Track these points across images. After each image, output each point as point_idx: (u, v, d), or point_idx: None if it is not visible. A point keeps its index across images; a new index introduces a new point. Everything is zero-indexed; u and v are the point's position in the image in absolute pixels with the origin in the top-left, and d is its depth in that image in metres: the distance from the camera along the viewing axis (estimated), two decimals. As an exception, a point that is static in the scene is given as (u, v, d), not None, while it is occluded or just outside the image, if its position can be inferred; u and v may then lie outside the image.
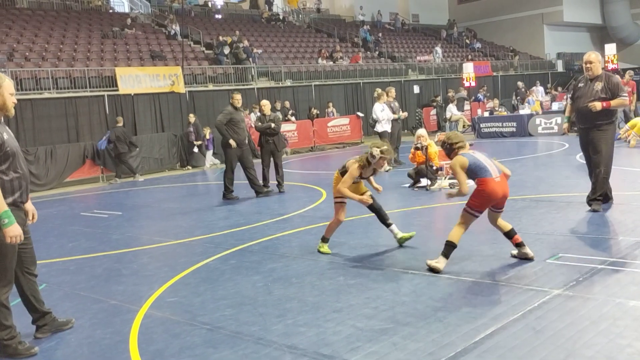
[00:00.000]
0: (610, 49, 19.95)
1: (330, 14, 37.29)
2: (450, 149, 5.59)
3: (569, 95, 8.19)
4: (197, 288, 5.59)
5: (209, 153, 18.29)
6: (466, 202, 5.45)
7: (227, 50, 22.94)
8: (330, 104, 23.00)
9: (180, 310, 5.00)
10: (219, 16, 30.08)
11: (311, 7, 36.87)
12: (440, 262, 5.43)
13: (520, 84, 27.55)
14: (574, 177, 10.29)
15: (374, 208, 6.46)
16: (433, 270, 5.41)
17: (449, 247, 5.43)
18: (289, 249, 6.84)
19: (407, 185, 10.71)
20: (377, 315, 4.47)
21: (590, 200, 7.60)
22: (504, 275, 5.20)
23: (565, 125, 8.58)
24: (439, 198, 9.47)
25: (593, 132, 7.46)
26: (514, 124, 19.76)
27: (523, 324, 4.08)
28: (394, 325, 4.24)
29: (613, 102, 7.31)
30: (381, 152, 6.02)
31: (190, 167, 18.23)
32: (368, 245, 6.66)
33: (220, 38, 23.57)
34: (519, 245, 5.61)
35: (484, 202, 5.36)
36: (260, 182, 11.20)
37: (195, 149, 18.22)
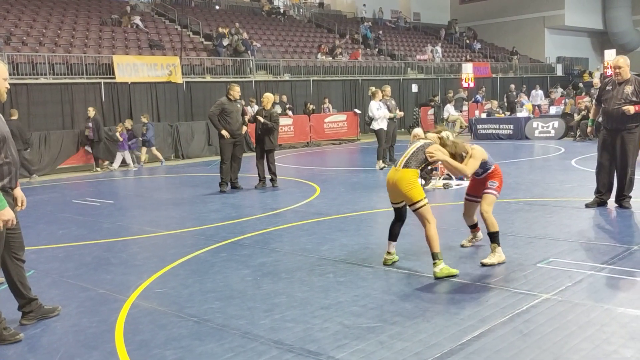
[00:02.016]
0: (610, 54, 19.97)
1: (332, 10, 37.21)
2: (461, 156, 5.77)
3: (593, 97, 8.35)
4: (185, 280, 5.56)
5: (126, 153, 16.13)
6: (489, 188, 5.75)
7: (225, 42, 22.84)
8: (327, 100, 22.96)
9: (167, 301, 4.98)
10: (219, 7, 29.99)
11: (312, 1, 36.77)
12: (499, 252, 5.62)
13: (512, 86, 27.55)
14: (568, 181, 10.30)
15: (402, 214, 5.76)
16: (500, 263, 5.55)
17: (498, 235, 5.67)
18: (280, 243, 6.82)
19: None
20: (365, 314, 4.45)
21: (619, 200, 7.84)
22: (494, 277, 5.19)
23: (590, 129, 8.67)
24: (432, 197, 9.45)
25: (622, 134, 7.68)
26: (511, 126, 19.75)
27: (510, 327, 4.07)
28: (381, 324, 4.23)
29: None
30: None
31: (99, 169, 15.94)
32: (359, 243, 6.64)
33: (220, 29, 23.46)
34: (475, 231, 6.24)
35: (501, 184, 5.88)
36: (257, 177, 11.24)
37: (88, 148, 16.01)
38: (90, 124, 15.64)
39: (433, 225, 5.29)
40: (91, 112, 15.84)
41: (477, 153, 5.65)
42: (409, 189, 5.33)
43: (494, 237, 5.65)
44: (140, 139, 16.52)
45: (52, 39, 19.27)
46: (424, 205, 5.32)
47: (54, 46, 18.72)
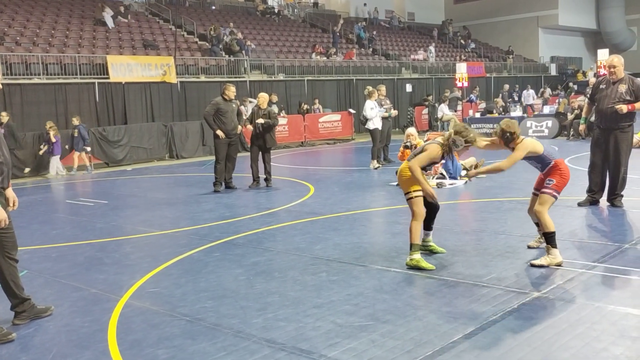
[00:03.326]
0: (603, 54, 20.04)
1: (326, 9, 37.22)
2: (511, 139, 5.47)
3: (587, 96, 8.34)
4: (178, 279, 5.57)
5: (56, 158, 15.07)
6: (546, 187, 5.44)
7: (221, 45, 22.80)
8: (317, 100, 22.91)
9: (160, 301, 4.98)
10: (214, 7, 29.96)
11: (307, 1, 36.77)
12: (553, 254, 5.32)
13: (506, 86, 27.52)
14: (561, 180, 10.32)
15: (434, 207, 5.81)
16: (558, 265, 5.26)
17: (553, 236, 5.36)
18: (274, 243, 6.83)
19: (395, 183, 10.72)
20: (357, 312, 4.47)
21: (610, 199, 7.88)
22: (486, 276, 5.21)
23: (582, 127, 8.69)
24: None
25: (615, 133, 7.72)
26: (505, 125, 19.74)
27: (501, 325, 4.09)
28: (373, 323, 4.25)
29: (637, 105, 7.55)
30: (466, 142, 5.38)
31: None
32: (352, 242, 6.66)
33: (213, 28, 23.41)
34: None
35: (565, 182, 5.46)
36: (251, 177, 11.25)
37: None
38: (2, 130, 13.98)
39: (417, 219, 5.53)
40: (4, 117, 14.49)
41: (522, 145, 5.37)
42: (405, 179, 5.59)
43: (547, 238, 5.37)
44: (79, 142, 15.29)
45: (45, 39, 19.21)
46: (412, 197, 5.53)
47: (47, 46, 18.66)
